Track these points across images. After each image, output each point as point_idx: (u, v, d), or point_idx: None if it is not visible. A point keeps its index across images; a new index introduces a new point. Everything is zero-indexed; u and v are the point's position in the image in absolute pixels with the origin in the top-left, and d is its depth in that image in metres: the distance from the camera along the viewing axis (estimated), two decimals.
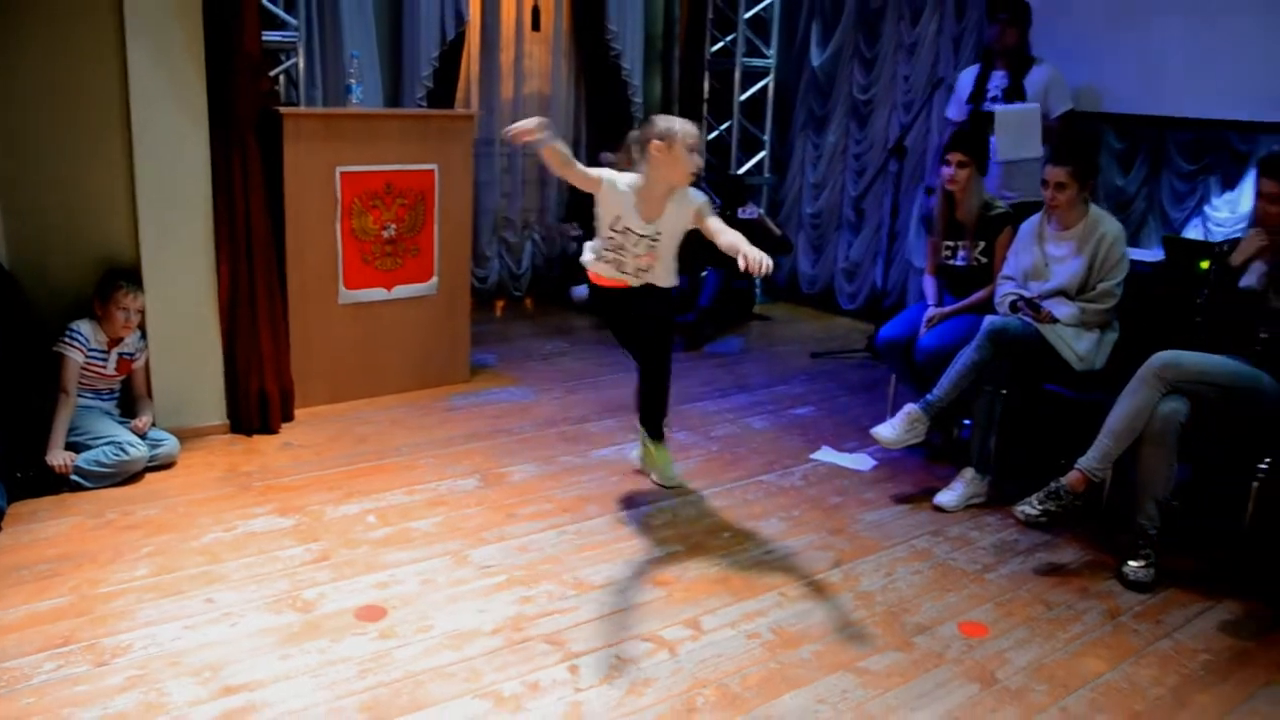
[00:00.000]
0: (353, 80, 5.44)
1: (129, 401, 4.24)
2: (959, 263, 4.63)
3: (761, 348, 6.64)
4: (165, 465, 4.18)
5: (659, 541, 3.74)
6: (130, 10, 4.10)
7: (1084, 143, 4.74)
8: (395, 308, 5.14)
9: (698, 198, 3.74)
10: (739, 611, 3.26)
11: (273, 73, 5.63)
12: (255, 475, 4.17)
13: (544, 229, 7.95)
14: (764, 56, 7.95)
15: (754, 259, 3.30)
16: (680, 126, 3.61)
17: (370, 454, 4.44)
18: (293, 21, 5.71)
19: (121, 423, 4.14)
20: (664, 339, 3.96)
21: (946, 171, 4.52)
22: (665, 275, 3.84)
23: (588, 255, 3.90)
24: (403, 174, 5.08)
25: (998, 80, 5.34)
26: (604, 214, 3.75)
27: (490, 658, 2.94)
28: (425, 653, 2.94)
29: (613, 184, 3.69)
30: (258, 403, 4.57)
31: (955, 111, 5.72)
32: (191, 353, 4.46)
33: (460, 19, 6.95)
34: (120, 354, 4.17)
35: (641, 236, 3.71)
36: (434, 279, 5.25)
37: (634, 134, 3.76)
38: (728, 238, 3.51)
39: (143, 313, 4.18)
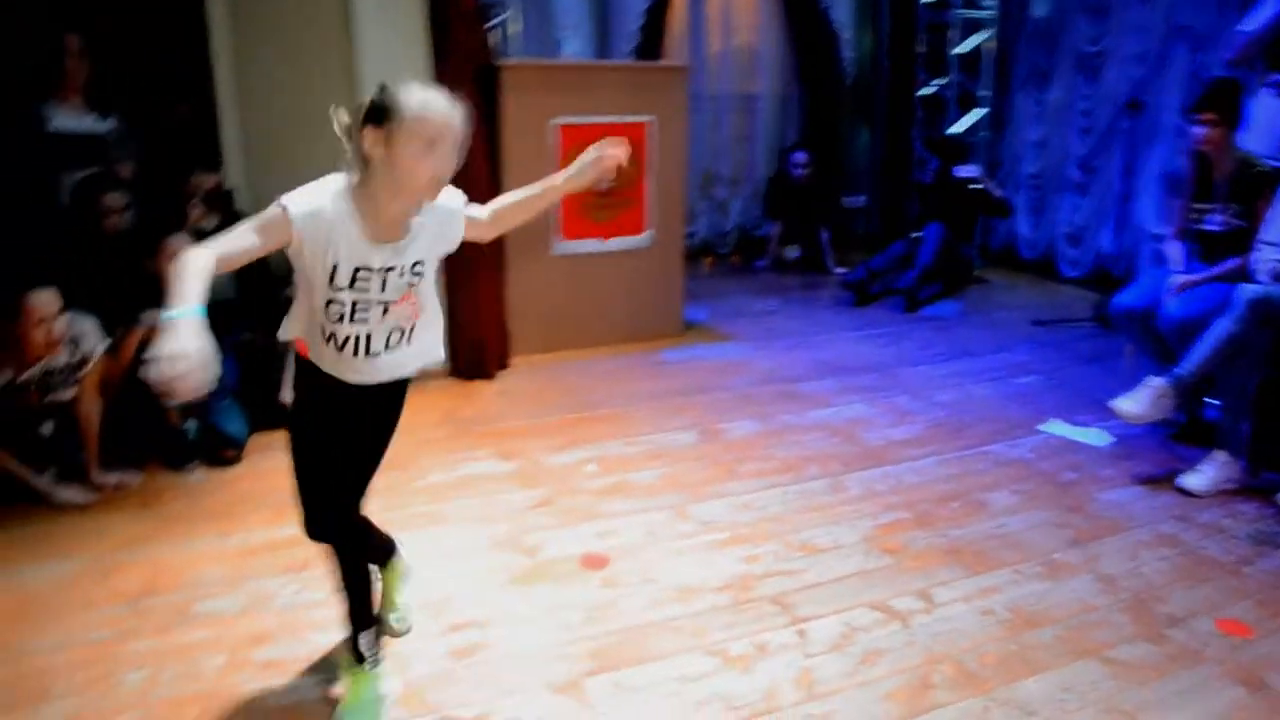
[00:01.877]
0: (566, 32, 5.43)
1: None
2: (1211, 227, 4.25)
3: (981, 313, 6.34)
4: None
5: (885, 507, 3.58)
6: None
7: None
8: (609, 260, 5.12)
9: (454, 201, 2.26)
10: (973, 586, 3.08)
11: (488, 26, 5.65)
12: (474, 420, 4.22)
13: (752, 186, 7.82)
14: (982, 7, 7.53)
15: (610, 153, 2.37)
16: (418, 103, 2.03)
17: (586, 404, 4.43)
18: None
19: None
20: (381, 454, 2.48)
21: (1197, 131, 4.15)
22: (432, 333, 2.39)
23: (293, 327, 2.29)
24: (618, 126, 5.02)
25: None
26: (318, 265, 2.12)
27: (716, 614, 2.86)
28: (651, 604, 2.90)
29: (313, 215, 2.07)
30: (475, 349, 4.63)
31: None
32: None
33: None
34: None
35: (391, 273, 2.16)
36: (648, 231, 5.20)
37: (344, 112, 2.16)
38: (545, 185, 2.38)
39: None
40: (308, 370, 2.31)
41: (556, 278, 5.00)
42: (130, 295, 3.70)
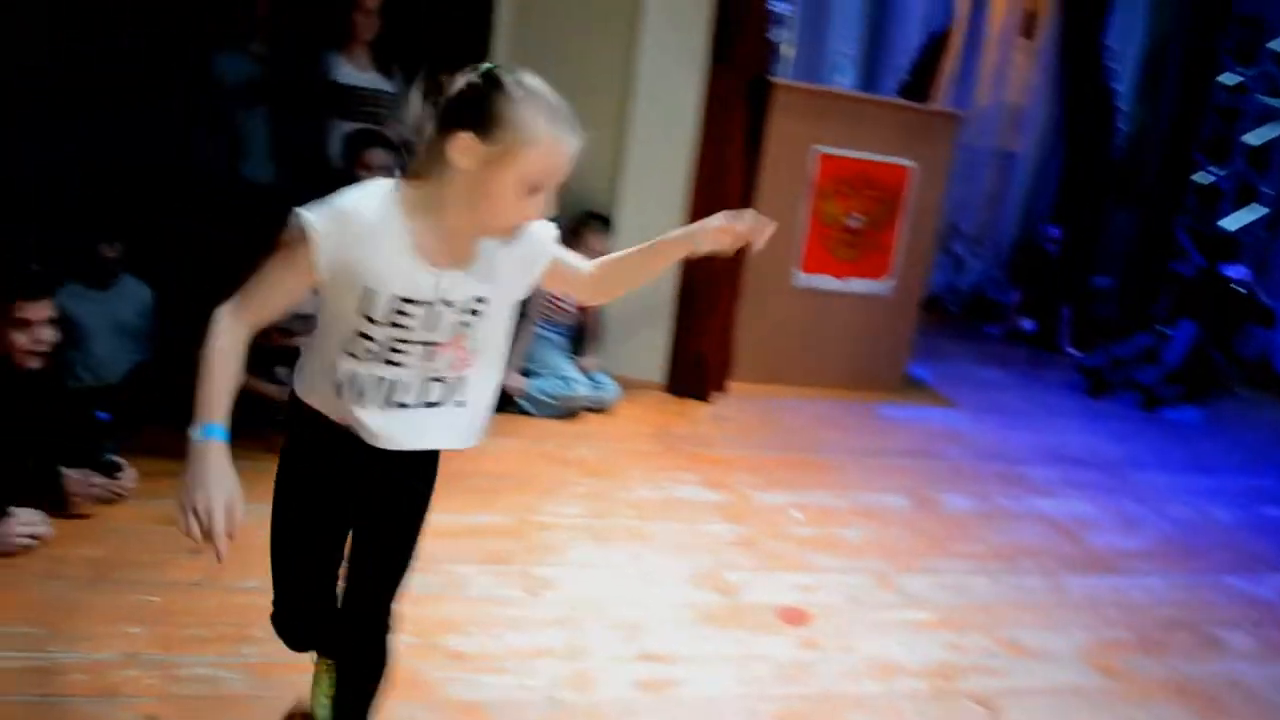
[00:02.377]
0: (844, 59, 5.31)
1: (580, 340, 4.34)
2: None
3: (1227, 427, 5.85)
4: (601, 409, 4.25)
5: (1105, 621, 3.31)
6: None
7: None
8: (843, 300, 4.97)
9: (546, 234, 1.77)
10: None
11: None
12: (684, 440, 4.16)
13: (994, 249, 7.51)
14: None
15: (741, 228, 1.76)
16: (548, 128, 1.54)
17: (797, 445, 4.31)
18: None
19: (570, 359, 4.25)
20: (410, 547, 1.87)
21: None
22: (480, 396, 1.80)
23: (307, 383, 1.77)
24: (879, 165, 4.88)
25: None
26: (348, 292, 1.62)
27: (914, 701, 2.68)
28: (847, 674, 2.74)
29: (340, 225, 1.57)
30: (695, 369, 4.56)
31: None
32: (645, 306, 4.52)
33: (949, 15, 6.64)
34: None
35: (445, 307, 1.66)
36: (889, 278, 5.02)
37: (417, 98, 1.61)
38: (657, 246, 1.80)
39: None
40: (308, 414, 1.75)
41: (790, 309, 4.88)
42: None
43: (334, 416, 1.72)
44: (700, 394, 4.58)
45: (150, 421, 3.32)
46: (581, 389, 4.11)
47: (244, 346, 1.61)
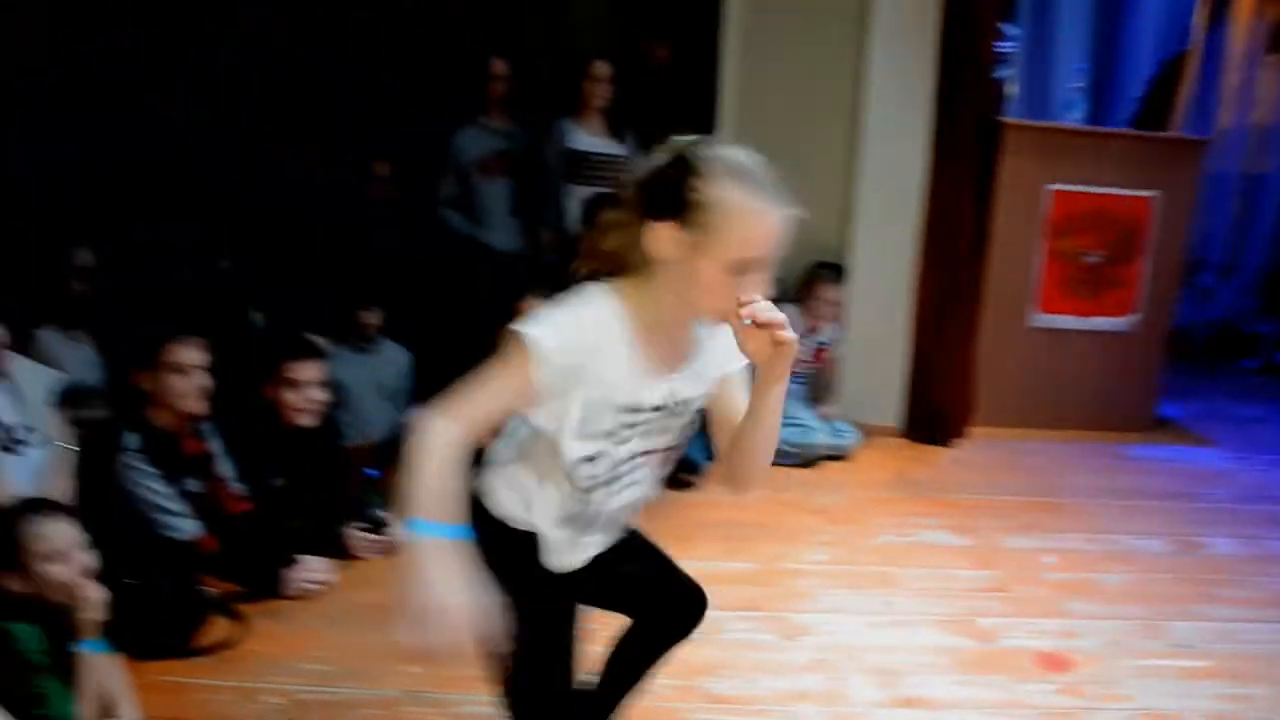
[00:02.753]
0: (1077, 93, 5.20)
1: (818, 388, 4.39)
2: None
3: None
4: (840, 457, 4.28)
5: None
6: (877, 15, 4.28)
7: None
8: (1085, 339, 4.82)
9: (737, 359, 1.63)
10: None
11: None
12: (926, 485, 4.13)
13: (1242, 277, 7.10)
14: None
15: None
16: (738, 193, 1.47)
17: (1043, 489, 4.19)
18: (1013, 30, 5.56)
19: (808, 407, 4.30)
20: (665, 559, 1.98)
21: None
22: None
23: (508, 498, 1.69)
24: (1117, 198, 4.73)
25: None
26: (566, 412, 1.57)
27: None
28: None
29: (568, 347, 1.51)
30: (934, 412, 4.54)
31: None
32: (881, 352, 4.54)
33: (1185, 37, 6.37)
34: (818, 342, 4.33)
35: (655, 413, 1.63)
36: (1132, 315, 4.84)
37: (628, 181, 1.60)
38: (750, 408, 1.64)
39: (840, 305, 4.29)
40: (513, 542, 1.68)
41: (1029, 350, 4.77)
42: None
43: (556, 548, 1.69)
44: (941, 439, 4.54)
45: None
46: (821, 437, 4.15)
47: (463, 457, 1.47)
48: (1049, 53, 6.19)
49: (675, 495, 3.82)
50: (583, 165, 4.49)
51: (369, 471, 3.71)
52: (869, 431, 4.52)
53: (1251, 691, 2.86)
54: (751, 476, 1.71)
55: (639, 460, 1.66)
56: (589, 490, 1.64)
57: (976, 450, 4.55)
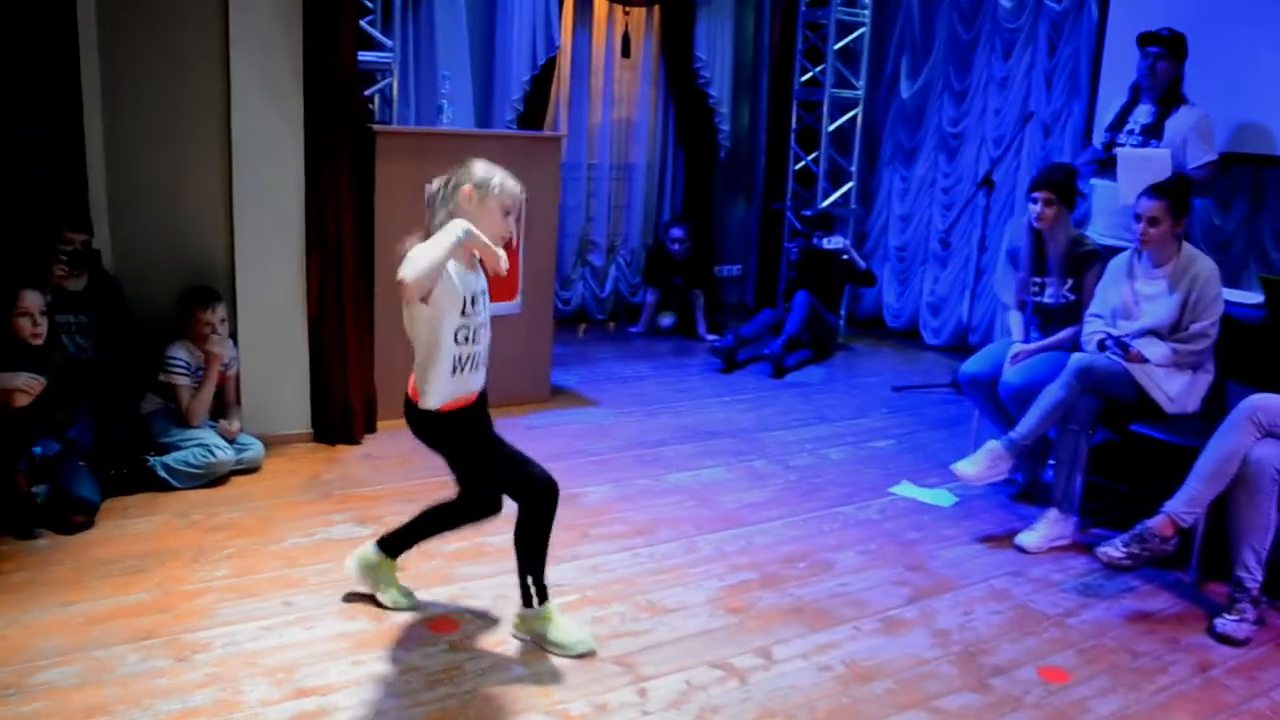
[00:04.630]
0: (444, 101, 5.55)
1: (220, 406, 4.32)
2: (1048, 300, 4.53)
3: (844, 379, 6.56)
4: (250, 470, 4.27)
5: (732, 569, 3.70)
6: (235, 19, 4.27)
7: (1176, 179, 4.57)
8: None
9: None
10: (811, 643, 3.21)
11: (368, 91, 5.74)
12: (336, 484, 4.24)
13: (628, 254, 8.00)
14: (853, 88, 7.90)
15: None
16: (501, 180, 2.89)
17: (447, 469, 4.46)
18: (389, 43, 5.82)
19: (211, 426, 4.23)
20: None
21: (1034, 208, 4.44)
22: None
23: (436, 390, 2.91)
24: None
25: (1141, 115, 4.98)
26: (449, 302, 2.82)
27: (559, 673, 2.93)
28: (494, 667, 2.95)
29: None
30: (341, 413, 4.65)
31: (1096, 139, 5.38)
32: (279, 361, 4.56)
33: (552, 44, 7.05)
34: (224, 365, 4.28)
35: (482, 294, 2.97)
36: (518, 298, 5.30)
37: (440, 181, 2.96)
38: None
39: (225, 322, 4.25)
40: (455, 420, 2.95)
41: None
42: None
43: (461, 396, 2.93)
44: (350, 437, 4.66)
45: None
46: (224, 454, 4.09)
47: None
48: (430, 63, 6.53)
49: (65, 540, 3.59)
50: None
51: None
52: (280, 440, 4.55)
53: (610, 611, 3.32)
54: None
55: (483, 316, 2.94)
56: (468, 344, 2.88)
57: (386, 443, 4.72)
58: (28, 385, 3.58)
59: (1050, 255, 4.49)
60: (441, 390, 2.88)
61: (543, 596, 3.05)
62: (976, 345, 6.72)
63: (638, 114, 7.87)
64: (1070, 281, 4.45)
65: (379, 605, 3.25)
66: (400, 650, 3.00)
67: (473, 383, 2.97)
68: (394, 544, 3.25)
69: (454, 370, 2.87)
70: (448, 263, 2.71)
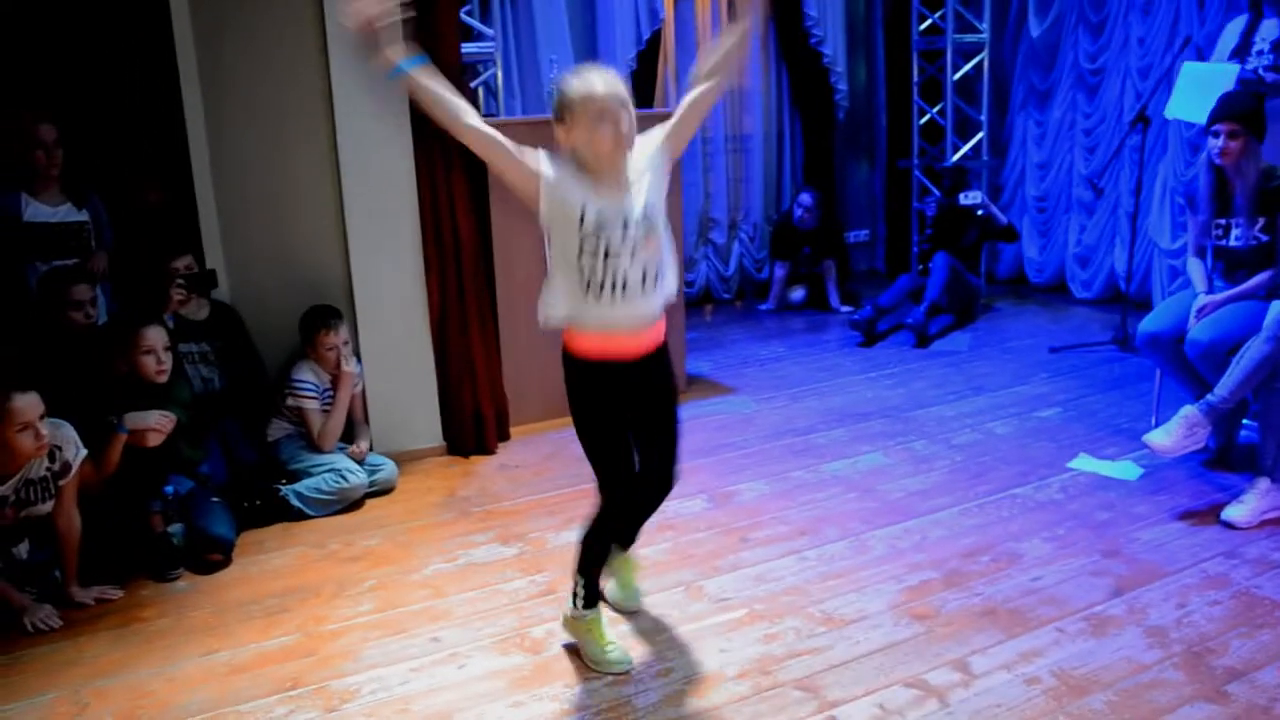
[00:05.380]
0: (552, 87, 5.29)
1: (347, 428, 4.16)
2: (1235, 243, 4.05)
3: (994, 344, 6.12)
4: (385, 491, 4.10)
5: (910, 567, 3.37)
6: (330, 23, 4.06)
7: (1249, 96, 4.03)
8: None
9: (652, 134, 2.61)
10: (1013, 651, 2.86)
11: (473, 84, 5.52)
12: (474, 499, 4.04)
13: (750, 228, 7.67)
14: (977, 31, 7.38)
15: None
16: (576, 89, 2.45)
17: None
18: (489, 33, 5.58)
19: (340, 450, 4.08)
20: (676, 422, 2.82)
21: (1215, 143, 3.96)
22: (672, 275, 2.65)
23: (556, 310, 2.61)
24: None
25: (1268, 31, 4.47)
26: (561, 217, 2.49)
27: (738, 707, 2.65)
28: (666, 700, 2.68)
29: (553, 176, 2.48)
30: (473, 423, 4.46)
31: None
32: (405, 375, 4.38)
33: (655, 17, 6.75)
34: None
35: (625, 224, 2.48)
36: None
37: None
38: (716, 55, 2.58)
39: (348, 343, 4.08)
40: (582, 368, 2.62)
41: (550, 340, 4.79)
42: (104, 396, 3.52)
43: (595, 335, 2.58)
44: (483, 448, 4.47)
45: None
46: (356, 477, 3.92)
47: (453, 99, 2.47)
48: (531, 50, 6.31)
49: (203, 580, 3.46)
50: (42, 237, 3.95)
51: None
52: (412, 457, 4.38)
53: (783, 626, 3.02)
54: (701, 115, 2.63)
55: (626, 246, 2.47)
56: (594, 272, 2.47)
57: (521, 451, 4.53)
58: (159, 424, 3.49)
59: (1237, 193, 4.00)
60: (562, 315, 2.58)
61: (590, 602, 2.80)
62: (1134, 297, 6.21)
63: (750, 82, 7.50)
64: (1262, 221, 3.96)
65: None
66: (561, 687, 2.76)
67: (611, 325, 2.55)
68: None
69: (586, 290, 2.51)
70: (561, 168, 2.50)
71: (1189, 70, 4.52)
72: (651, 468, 2.78)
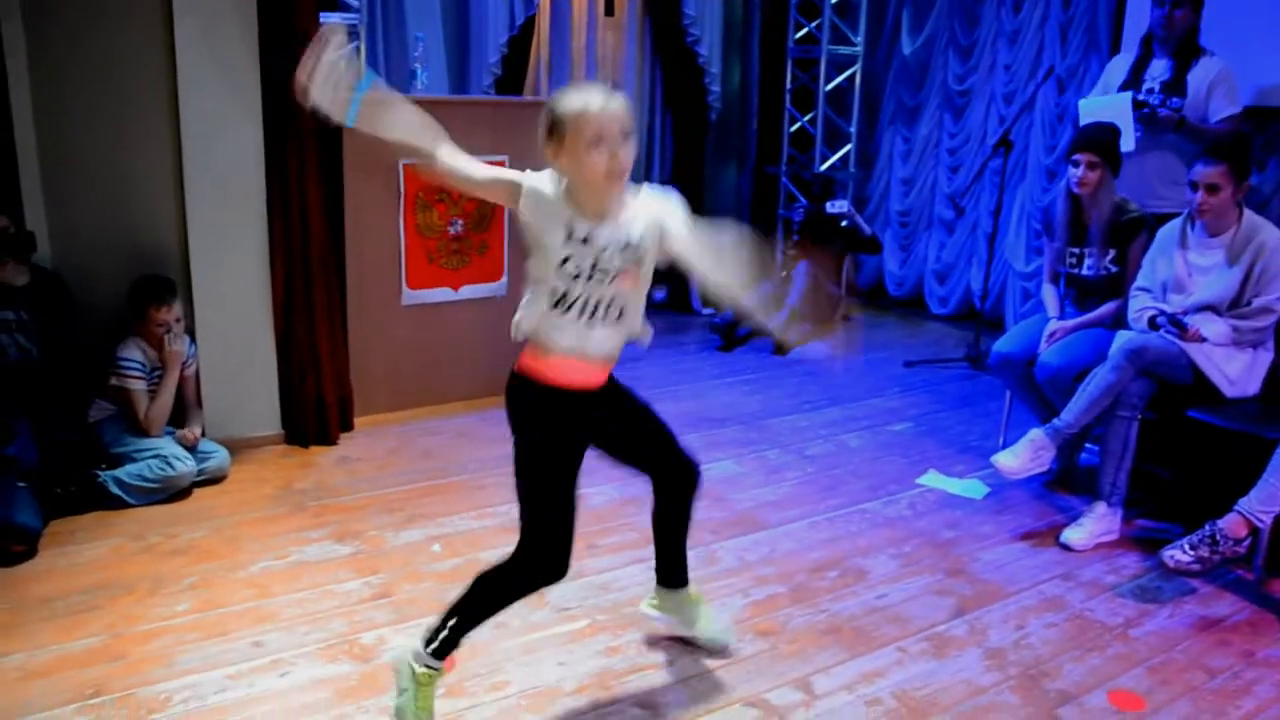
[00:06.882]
0: (417, 65, 5.10)
1: (178, 411, 3.89)
2: (1086, 273, 4.15)
3: (853, 354, 6.17)
4: (215, 480, 3.86)
5: (758, 581, 3.32)
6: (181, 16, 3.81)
7: (1237, 139, 4.16)
8: (462, 310, 4.77)
9: (669, 205, 2.41)
10: (855, 671, 2.83)
11: None
12: (310, 493, 3.83)
13: None
14: (851, 44, 7.45)
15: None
16: (574, 104, 2.24)
17: (435, 470, 4.07)
18: (353, 3, 5.33)
19: (169, 434, 3.81)
20: (657, 414, 2.71)
21: (1075, 172, 4.04)
22: (637, 316, 2.43)
23: (527, 320, 2.36)
24: None
25: (1158, 71, 4.53)
26: (543, 233, 2.27)
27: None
28: (499, 716, 2.56)
29: (536, 184, 2.29)
30: (314, 412, 4.24)
31: None
32: (244, 358, 4.13)
33: (530, 3, 6.58)
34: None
35: (606, 247, 2.28)
36: (504, 279, 4.87)
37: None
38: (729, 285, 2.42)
39: (180, 320, 3.82)
40: (540, 394, 2.40)
41: (405, 330, 4.62)
42: None
43: (558, 358, 2.35)
44: (325, 438, 4.25)
45: None
46: (183, 465, 3.67)
47: (422, 124, 2.28)
48: (400, 26, 6.07)
49: (2, 573, 3.16)
50: None
51: None
52: (247, 445, 4.14)
53: (625, 639, 2.93)
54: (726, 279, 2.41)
55: (607, 264, 2.28)
56: (567, 290, 2.27)
57: (365, 443, 4.33)
58: None
59: (1092, 223, 4.09)
60: (531, 325, 2.34)
61: (442, 653, 2.40)
62: (987, 316, 6.35)
63: (622, 76, 7.41)
64: (1113, 252, 4.07)
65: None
66: (389, 699, 2.59)
67: (576, 350, 2.33)
68: (671, 574, 2.83)
69: (546, 316, 2.30)
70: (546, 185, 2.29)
71: (1087, 105, 4.56)
72: (668, 459, 2.69)
